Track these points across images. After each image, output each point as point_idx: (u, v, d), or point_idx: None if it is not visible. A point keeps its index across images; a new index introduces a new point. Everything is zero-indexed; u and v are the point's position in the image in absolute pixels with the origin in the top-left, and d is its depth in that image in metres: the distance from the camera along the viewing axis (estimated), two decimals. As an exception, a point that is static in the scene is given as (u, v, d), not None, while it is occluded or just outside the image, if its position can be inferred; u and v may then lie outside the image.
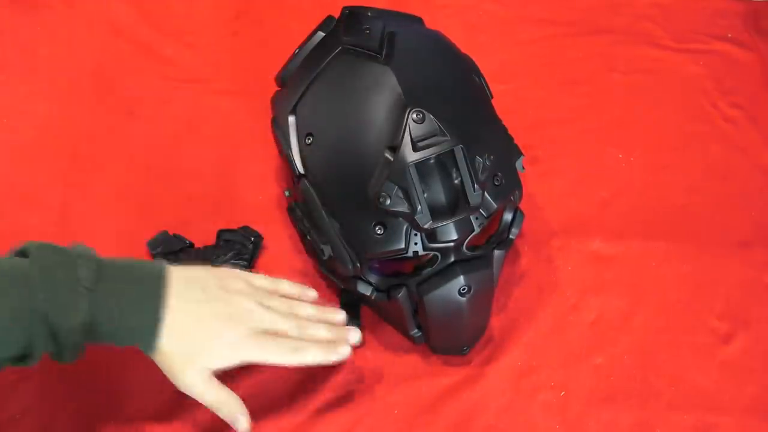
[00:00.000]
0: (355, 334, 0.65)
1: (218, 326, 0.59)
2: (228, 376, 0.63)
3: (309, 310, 0.65)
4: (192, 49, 0.90)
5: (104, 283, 0.56)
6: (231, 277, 0.63)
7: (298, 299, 0.66)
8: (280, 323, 0.62)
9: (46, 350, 0.55)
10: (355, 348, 0.66)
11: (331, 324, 0.65)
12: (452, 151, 0.61)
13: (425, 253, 0.64)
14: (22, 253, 0.57)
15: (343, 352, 0.63)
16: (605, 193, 0.83)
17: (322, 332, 0.64)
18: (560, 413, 0.71)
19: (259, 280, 0.65)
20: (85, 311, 0.55)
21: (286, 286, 0.66)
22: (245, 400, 0.70)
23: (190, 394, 0.60)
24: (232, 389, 0.70)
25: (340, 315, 0.67)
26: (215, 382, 0.60)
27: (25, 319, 0.53)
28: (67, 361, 0.57)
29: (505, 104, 0.74)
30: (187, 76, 0.88)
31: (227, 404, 0.60)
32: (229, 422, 0.61)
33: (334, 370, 0.72)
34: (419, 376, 0.72)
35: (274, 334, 0.61)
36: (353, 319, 0.72)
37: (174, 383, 0.60)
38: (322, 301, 0.69)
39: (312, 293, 0.68)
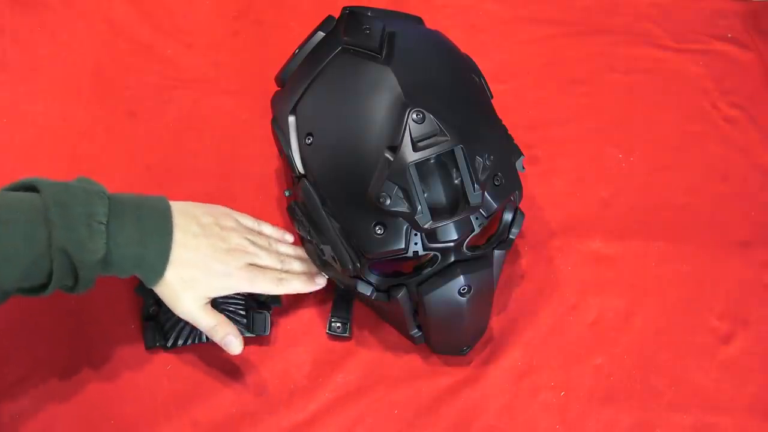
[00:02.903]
0: (324, 275, 0.72)
1: (215, 259, 0.65)
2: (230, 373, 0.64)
3: (288, 249, 0.73)
4: (192, 49, 0.90)
5: (117, 219, 0.60)
6: (223, 214, 0.69)
7: (277, 240, 0.73)
8: (266, 258, 0.69)
9: (63, 284, 0.58)
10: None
11: (306, 260, 0.72)
12: (452, 151, 0.61)
13: (425, 253, 0.64)
14: (28, 188, 0.59)
15: (320, 282, 0.71)
16: (605, 193, 0.83)
17: (300, 267, 0.72)
18: (560, 413, 0.71)
19: (245, 219, 0.72)
20: (102, 246, 0.58)
21: (268, 228, 0.74)
22: (246, 399, 0.70)
23: (188, 319, 0.66)
24: (233, 389, 0.71)
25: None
26: (210, 308, 0.66)
27: (47, 256, 0.56)
28: (78, 292, 0.60)
29: (505, 104, 0.75)
30: (187, 76, 0.88)
31: (222, 328, 0.66)
32: (223, 345, 0.67)
33: (334, 369, 0.72)
34: (419, 376, 0.72)
35: (262, 268, 0.68)
36: (344, 313, 0.72)
37: (173, 309, 0.65)
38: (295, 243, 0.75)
39: (289, 237, 0.75)
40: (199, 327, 0.66)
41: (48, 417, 0.68)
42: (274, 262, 0.69)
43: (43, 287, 0.58)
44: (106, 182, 0.80)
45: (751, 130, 0.88)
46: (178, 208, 0.65)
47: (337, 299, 0.74)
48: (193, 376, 0.71)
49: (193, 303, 0.65)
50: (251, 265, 0.67)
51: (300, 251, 0.73)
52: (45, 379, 0.70)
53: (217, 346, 0.69)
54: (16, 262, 0.56)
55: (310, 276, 0.71)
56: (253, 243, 0.69)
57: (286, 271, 0.70)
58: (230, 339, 0.66)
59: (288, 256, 0.72)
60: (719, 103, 0.90)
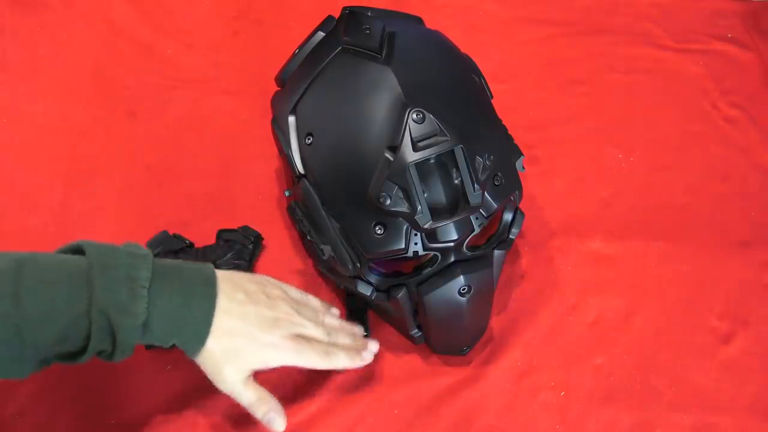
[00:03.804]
0: (374, 344, 0.69)
1: (261, 328, 0.61)
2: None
3: (334, 321, 0.69)
4: (192, 49, 0.90)
5: (159, 283, 0.57)
6: (269, 283, 0.66)
7: (323, 312, 0.69)
8: (312, 330, 0.65)
9: (101, 348, 0.56)
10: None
11: (352, 334, 0.69)
12: (452, 151, 0.61)
13: (425, 253, 0.64)
14: (76, 251, 0.57)
15: (367, 358, 0.67)
16: (605, 193, 0.83)
17: (348, 340, 0.67)
18: (560, 413, 0.71)
19: (292, 290, 0.68)
20: (143, 311, 0.56)
21: (315, 300, 0.69)
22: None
23: (229, 393, 0.61)
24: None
25: (360, 327, 0.71)
26: (252, 382, 0.62)
27: (86, 317, 0.54)
28: (115, 360, 0.57)
29: (505, 104, 0.75)
30: (187, 76, 0.88)
31: (265, 404, 0.62)
32: (265, 423, 0.62)
33: (334, 370, 0.72)
34: (419, 376, 0.72)
35: (308, 339, 0.64)
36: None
37: (214, 382, 0.61)
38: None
39: (335, 310, 0.71)
40: (239, 402, 0.62)
41: (48, 417, 0.68)
42: (320, 334, 0.65)
43: (81, 352, 0.55)
44: (106, 182, 0.81)
45: (751, 130, 0.88)
46: (224, 275, 0.62)
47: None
48: (193, 376, 0.71)
49: (235, 376, 0.60)
50: (298, 336, 0.63)
51: (346, 325, 0.69)
52: (45, 379, 0.70)
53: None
54: (55, 322, 0.53)
55: (357, 351, 0.67)
56: (300, 313, 0.65)
57: (333, 344, 0.66)
58: (272, 417, 0.62)
59: (334, 328, 0.68)
60: (719, 103, 0.90)
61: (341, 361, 0.65)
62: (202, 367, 0.61)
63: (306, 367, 0.64)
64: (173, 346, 0.66)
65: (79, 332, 0.54)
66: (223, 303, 0.60)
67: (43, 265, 0.55)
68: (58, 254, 0.57)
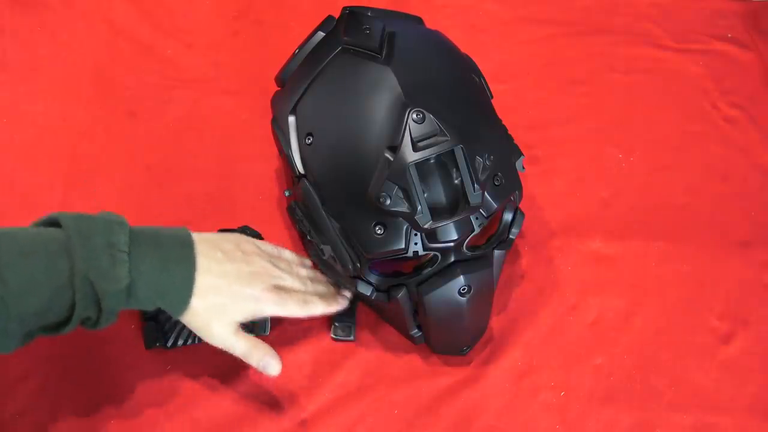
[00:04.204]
0: (347, 291, 0.71)
1: (242, 283, 0.64)
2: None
3: (308, 272, 0.72)
4: (192, 49, 0.90)
5: (138, 248, 0.59)
6: (243, 240, 0.68)
7: (297, 264, 0.72)
8: (290, 281, 0.68)
9: (86, 316, 0.57)
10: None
11: (326, 282, 0.72)
12: (452, 151, 0.61)
13: (425, 253, 0.64)
14: (51, 223, 0.58)
15: (342, 303, 0.70)
16: (605, 193, 0.83)
17: (322, 288, 0.71)
18: (560, 413, 0.71)
19: (265, 245, 0.70)
20: (126, 275, 0.57)
21: (288, 253, 0.72)
22: (246, 399, 0.70)
23: (220, 347, 0.64)
24: (233, 389, 0.71)
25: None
26: (242, 332, 0.64)
27: (69, 286, 0.55)
28: (100, 328, 0.59)
29: (505, 104, 0.75)
30: (187, 76, 0.88)
31: (258, 350, 0.64)
32: (260, 369, 0.65)
33: (334, 369, 0.72)
34: (419, 376, 0.72)
35: (287, 290, 0.67)
36: (348, 316, 0.72)
37: (204, 338, 0.64)
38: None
39: (308, 261, 0.73)
40: (233, 353, 0.64)
41: (48, 417, 0.68)
42: (297, 284, 0.68)
43: (66, 321, 0.56)
44: (106, 182, 0.81)
45: (751, 130, 0.88)
46: (198, 236, 0.63)
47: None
48: (193, 376, 0.71)
49: (224, 329, 0.63)
50: (276, 287, 0.66)
51: (320, 275, 0.72)
52: (45, 379, 0.70)
53: (217, 346, 0.69)
54: (38, 293, 0.54)
55: (333, 297, 0.70)
56: (276, 266, 0.68)
57: (309, 293, 0.69)
58: (268, 360, 0.64)
59: (309, 278, 0.71)
60: (719, 103, 0.90)
61: (319, 308, 0.68)
62: (190, 326, 0.63)
63: (289, 316, 0.66)
64: (168, 338, 0.69)
65: (62, 302, 0.55)
66: (202, 262, 0.61)
67: (19, 238, 0.56)
68: (33, 227, 0.58)
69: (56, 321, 0.56)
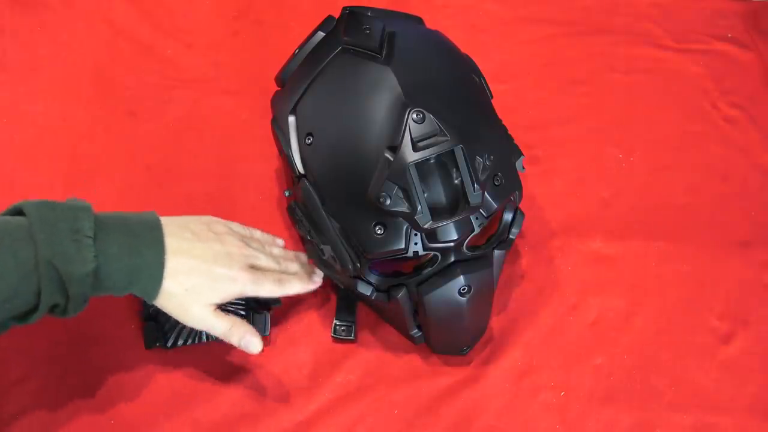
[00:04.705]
0: (320, 272, 0.71)
1: (217, 263, 0.63)
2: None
3: (281, 251, 0.72)
4: (192, 49, 0.90)
5: (104, 233, 0.58)
6: (214, 221, 0.68)
7: (269, 243, 0.72)
8: (264, 260, 0.68)
9: (53, 302, 0.56)
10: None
11: (299, 261, 0.72)
12: (452, 151, 0.61)
13: (425, 253, 0.64)
14: (16, 212, 0.58)
15: (317, 281, 0.71)
16: (605, 193, 0.83)
17: (296, 266, 0.71)
18: (560, 413, 0.71)
19: (236, 225, 0.70)
20: (91, 259, 0.57)
21: (259, 233, 0.72)
22: (246, 399, 0.70)
23: (201, 328, 0.64)
24: (233, 389, 0.71)
25: (304, 254, 0.73)
26: (221, 312, 0.64)
27: (34, 272, 0.55)
28: (70, 315, 0.58)
29: (505, 104, 0.75)
30: (187, 76, 0.88)
31: (238, 330, 0.64)
32: (242, 347, 0.65)
33: (334, 369, 0.72)
34: (419, 376, 0.72)
35: (262, 269, 0.67)
36: (349, 316, 0.72)
37: (182, 321, 0.63)
38: (289, 240, 0.77)
39: (280, 240, 0.74)
40: (214, 333, 0.64)
41: (48, 417, 0.68)
42: (272, 263, 0.68)
43: (34, 309, 0.56)
44: (106, 182, 0.81)
45: (751, 130, 0.88)
46: (166, 219, 0.63)
47: (340, 302, 0.74)
48: (193, 376, 0.71)
49: (201, 310, 0.62)
50: (251, 266, 0.66)
51: (292, 253, 0.73)
52: (45, 379, 0.70)
53: (217, 346, 0.69)
54: (4, 281, 0.54)
55: (308, 275, 0.71)
56: (249, 245, 0.67)
57: (284, 271, 0.69)
58: (248, 339, 0.64)
59: (282, 257, 0.71)
60: (719, 103, 0.90)
61: (295, 287, 0.68)
62: (166, 310, 0.62)
63: (265, 296, 0.66)
64: (168, 338, 0.68)
65: (28, 289, 0.55)
66: (172, 244, 0.61)
67: None
68: None
69: (25, 309, 0.56)
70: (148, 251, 0.60)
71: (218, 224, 0.67)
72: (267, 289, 0.66)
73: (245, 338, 0.64)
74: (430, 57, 0.68)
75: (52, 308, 0.58)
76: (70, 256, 0.56)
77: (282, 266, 0.69)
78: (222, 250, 0.64)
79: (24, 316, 0.57)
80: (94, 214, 0.59)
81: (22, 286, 0.55)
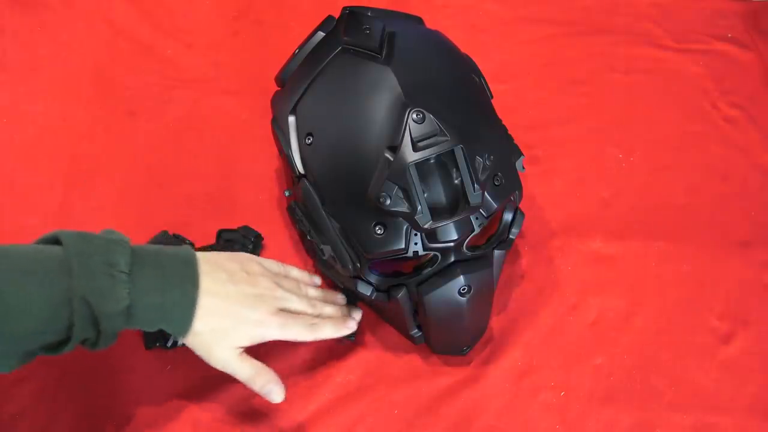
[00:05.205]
0: (357, 312, 0.71)
1: (245, 306, 0.62)
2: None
3: (316, 293, 0.70)
4: (192, 49, 0.90)
5: (139, 268, 0.57)
6: (248, 260, 0.66)
7: (306, 284, 0.70)
8: (296, 303, 0.66)
9: (84, 337, 0.56)
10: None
11: (335, 304, 0.70)
12: (452, 151, 0.61)
13: (425, 253, 0.64)
14: (52, 241, 0.57)
15: (351, 326, 0.69)
16: (605, 193, 0.83)
17: (331, 309, 0.69)
18: (560, 413, 0.71)
19: (271, 264, 0.69)
20: (125, 296, 0.56)
21: (296, 272, 0.71)
22: (246, 399, 0.70)
23: (224, 370, 0.62)
24: (233, 389, 0.71)
25: (341, 296, 0.72)
26: (246, 356, 0.63)
27: (67, 306, 0.54)
28: (100, 348, 0.57)
29: (505, 104, 0.75)
30: (187, 76, 0.88)
31: (262, 376, 0.63)
32: (263, 394, 0.63)
33: (334, 369, 0.72)
34: (419, 376, 0.72)
35: (292, 313, 0.65)
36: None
37: (207, 361, 0.62)
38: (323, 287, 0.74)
39: (317, 279, 0.73)
40: (237, 377, 0.63)
41: (48, 417, 0.68)
42: (304, 306, 0.66)
43: (65, 341, 0.55)
44: (106, 182, 0.81)
45: (751, 130, 0.88)
46: (204, 256, 0.62)
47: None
48: (193, 376, 0.71)
49: (227, 353, 0.61)
50: (282, 310, 0.64)
51: (329, 295, 0.71)
52: (45, 379, 0.70)
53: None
54: (34, 312, 0.53)
55: (342, 320, 0.68)
56: (282, 287, 0.66)
57: (318, 316, 0.67)
58: (271, 387, 0.63)
59: (317, 299, 0.69)
60: (719, 103, 0.90)
61: (327, 332, 0.66)
62: (193, 349, 0.62)
63: (294, 340, 0.65)
64: (168, 338, 0.68)
65: (60, 322, 0.54)
66: (205, 284, 0.60)
67: (15, 256, 0.54)
68: (32, 245, 0.57)
69: (55, 341, 0.55)
70: (181, 290, 0.59)
71: (252, 263, 0.66)
72: (296, 333, 0.64)
73: (267, 386, 0.63)
74: (430, 57, 0.68)
75: (83, 341, 0.57)
76: (103, 292, 0.55)
77: (315, 309, 0.67)
78: (252, 293, 0.63)
79: (55, 347, 0.56)
80: (132, 246, 0.58)
81: (52, 320, 0.54)
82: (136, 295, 0.56)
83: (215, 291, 0.60)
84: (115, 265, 0.56)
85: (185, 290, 0.59)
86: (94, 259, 0.55)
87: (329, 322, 0.67)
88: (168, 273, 0.58)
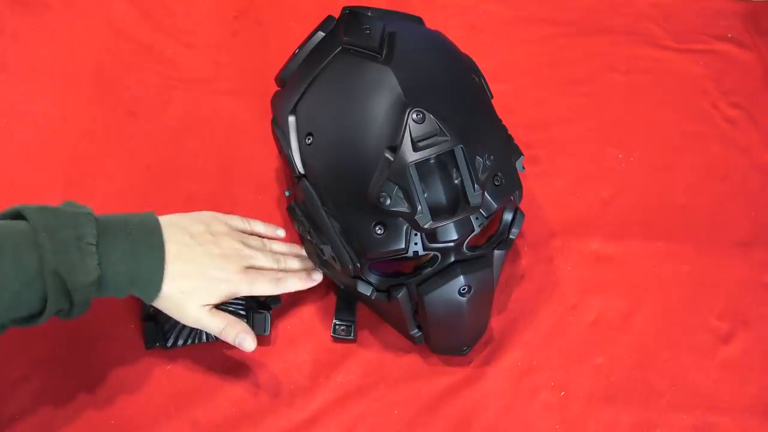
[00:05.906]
0: (318, 274, 0.72)
1: (213, 266, 0.65)
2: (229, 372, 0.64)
3: (281, 247, 0.73)
4: (192, 49, 0.90)
5: (107, 239, 0.59)
6: (213, 220, 0.69)
7: (270, 238, 0.73)
8: (261, 259, 0.69)
9: (58, 307, 0.57)
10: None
11: (301, 257, 0.73)
12: (452, 151, 0.61)
13: (425, 253, 0.64)
14: (14, 216, 0.58)
15: (316, 278, 0.71)
16: (605, 193, 0.83)
17: (296, 264, 0.72)
18: (560, 413, 0.71)
19: (235, 221, 0.71)
20: (95, 267, 0.57)
21: (260, 226, 0.74)
22: (246, 399, 0.70)
23: (197, 326, 0.66)
24: (233, 389, 0.71)
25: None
26: (216, 311, 0.66)
27: (39, 280, 0.55)
28: (72, 317, 0.59)
29: (505, 104, 0.75)
30: (187, 76, 0.88)
31: (234, 327, 0.66)
32: (237, 345, 0.66)
33: (334, 369, 0.72)
34: (419, 376, 0.72)
35: (258, 269, 0.68)
36: (348, 315, 0.72)
37: (178, 319, 0.65)
38: (289, 239, 0.76)
39: (281, 232, 0.75)
40: (209, 332, 0.66)
41: (48, 417, 0.68)
42: (270, 262, 0.69)
43: (38, 314, 0.57)
44: (106, 182, 0.81)
45: (751, 130, 0.88)
46: (166, 221, 0.65)
47: (340, 302, 0.74)
48: (193, 376, 0.71)
49: (197, 311, 0.64)
50: (248, 267, 0.67)
51: (294, 248, 0.74)
52: (45, 379, 0.70)
53: (217, 346, 0.70)
54: (6, 288, 0.54)
55: (307, 273, 0.71)
56: (247, 245, 0.69)
57: (283, 270, 0.70)
58: (243, 337, 0.66)
59: (283, 254, 0.72)
60: (719, 103, 0.90)
61: (292, 285, 0.69)
62: (163, 309, 0.64)
63: (261, 294, 0.68)
64: (168, 338, 0.69)
65: (33, 295, 0.56)
66: (171, 248, 0.62)
67: None
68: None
69: (28, 314, 0.57)
70: (149, 257, 0.61)
71: (217, 223, 0.68)
72: (263, 288, 0.67)
73: (240, 336, 0.66)
74: (430, 57, 0.68)
75: (57, 312, 0.58)
76: (74, 264, 0.56)
77: (281, 264, 0.70)
78: (218, 253, 0.65)
79: (28, 320, 0.57)
80: (96, 217, 0.60)
81: (25, 294, 0.55)
82: (106, 265, 0.59)
83: (182, 255, 0.63)
84: (83, 237, 0.58)
85: (152, 257, 0.61)
86: (61, 232, 0.57)
87: (294, 275, 0.70)
88: (135, 241, 0.61)
